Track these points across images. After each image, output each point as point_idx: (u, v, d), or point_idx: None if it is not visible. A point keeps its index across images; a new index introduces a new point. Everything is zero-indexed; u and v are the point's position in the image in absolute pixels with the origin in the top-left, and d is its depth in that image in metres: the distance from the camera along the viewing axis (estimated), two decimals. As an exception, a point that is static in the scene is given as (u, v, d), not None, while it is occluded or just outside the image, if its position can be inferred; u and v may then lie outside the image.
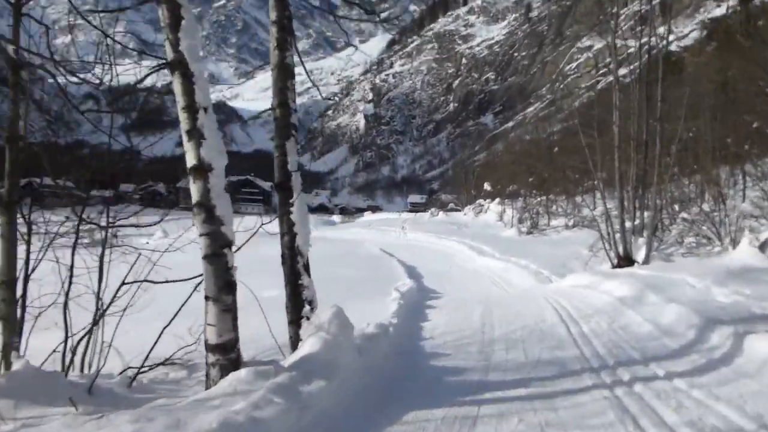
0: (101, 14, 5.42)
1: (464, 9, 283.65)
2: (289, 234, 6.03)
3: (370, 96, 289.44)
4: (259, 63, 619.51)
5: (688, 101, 13.33)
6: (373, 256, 17.81)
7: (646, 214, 13.25)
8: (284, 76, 6.12)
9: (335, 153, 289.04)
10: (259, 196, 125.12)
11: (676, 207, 16.08)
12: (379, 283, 12.63)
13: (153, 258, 5.93)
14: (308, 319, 5.39)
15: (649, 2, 15.47)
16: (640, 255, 12.14)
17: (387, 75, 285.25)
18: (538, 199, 25.90)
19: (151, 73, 5.14)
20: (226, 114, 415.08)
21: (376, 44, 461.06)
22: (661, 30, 14.98)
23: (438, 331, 7.13)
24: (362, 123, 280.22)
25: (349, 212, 78.12)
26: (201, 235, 4.32)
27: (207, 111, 4.50)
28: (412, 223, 27.36)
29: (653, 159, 12.89)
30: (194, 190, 4.37)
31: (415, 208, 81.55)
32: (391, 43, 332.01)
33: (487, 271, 15.77)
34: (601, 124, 14.42)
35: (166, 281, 5.59)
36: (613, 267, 12.25)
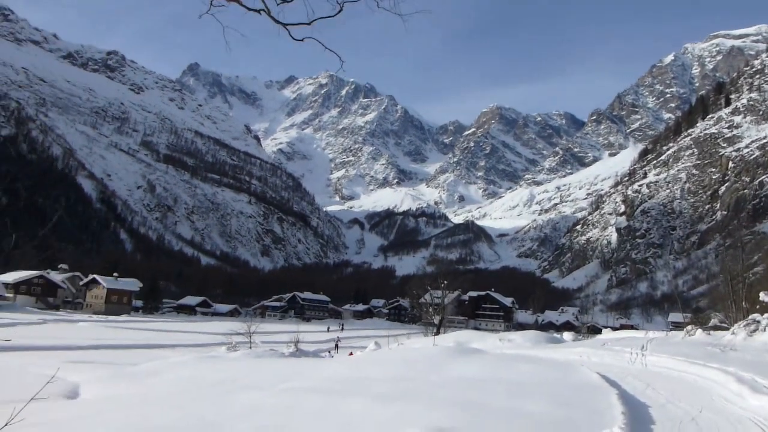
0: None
1: (727, 110, 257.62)
2: None
3: (622, 208, 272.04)
4: (506, 183, 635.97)
5: None
6: (582, 386, 12.99)
7: None
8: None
9: (585, 269, 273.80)
10: (499, 311, 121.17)
11: None
12: (577, 428, 8.36)
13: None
14: None
15: None
16: None
17: (640, 186, 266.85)
18: None
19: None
20: (474, 233, 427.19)
21: (627, 155, 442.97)
22: None
23: None
24: (614, 237, 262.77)
25: (595, 330, 69.77)
26: None
27: None
28: (659, 344, 21.22)
29: None
30: None
31: (678, 327, 69.77)
32: (643, 153, 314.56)
33: (763, 419, 10.07)
34: None
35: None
36: None
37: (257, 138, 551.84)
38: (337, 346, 39.99)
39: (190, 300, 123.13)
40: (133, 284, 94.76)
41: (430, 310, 50.13)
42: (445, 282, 53.60)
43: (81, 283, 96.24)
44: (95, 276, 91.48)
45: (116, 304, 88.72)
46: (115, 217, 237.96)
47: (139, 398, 14.68)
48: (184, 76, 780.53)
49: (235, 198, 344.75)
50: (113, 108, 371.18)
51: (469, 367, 15.82)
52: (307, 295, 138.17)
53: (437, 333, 41.52)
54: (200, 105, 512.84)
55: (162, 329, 52.60)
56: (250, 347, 28.74)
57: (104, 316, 71.90)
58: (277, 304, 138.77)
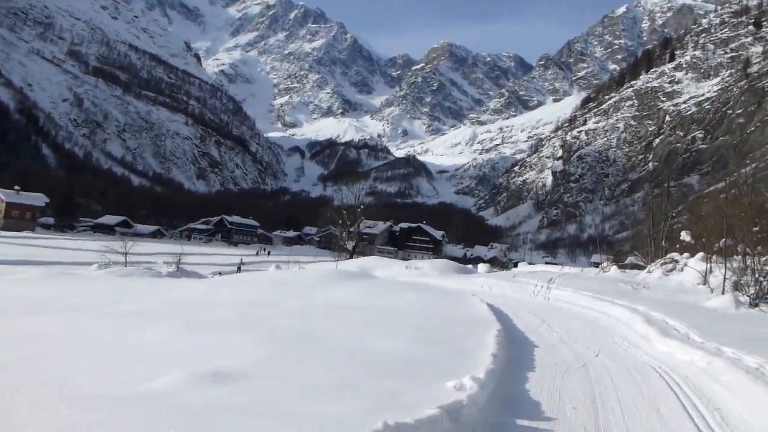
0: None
1: (670, 65, 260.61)
2: None
3: (560, 153, 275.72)
4: (451, 120, 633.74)
5: None
6: (463, 320, 10.70)
7: None
8: None
9: (518, 209, 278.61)
10: (429, 244, 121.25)
11: None
12: (417, 377, 5.94)
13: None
14: None
15: None
16: None
17: (579, 132, 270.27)
18: (769, 255, 16.70)
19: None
20: (414, 167, 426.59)
21: (570, 102, 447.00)
22: None
23: None
24: (549, 180, 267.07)
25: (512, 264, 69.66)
26: None
27: None
28: (570, 278, 19.43)
29: None
30: None
31: (598, 267, 70.22)
32: (586, 101, 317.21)
33: (670, 369, 7.94)
34: None
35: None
36: None
37: (198, 57, 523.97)
38: (239, 269, 37.54)
39: (109, 219, 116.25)
40: (38, 199, 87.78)
41: (344, 235, 48.17)
42: (361, 208, 51.54)
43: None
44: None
45: (17, 220, 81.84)
46: (37, 130, 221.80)
47: None
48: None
49: (171, 118, 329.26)
50: (35, 11, 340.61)
51: (342, 293, 13.41)
52: (236, 218, 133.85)
53: (350, 258, 39.70)
54: (136, 16, 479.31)
55: (55, 246, 48.07)
56: (125, 266, 25.78)
57: (-1, 232, 66.01)
58: (204, 227, 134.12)
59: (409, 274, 24.79)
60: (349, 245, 46.36)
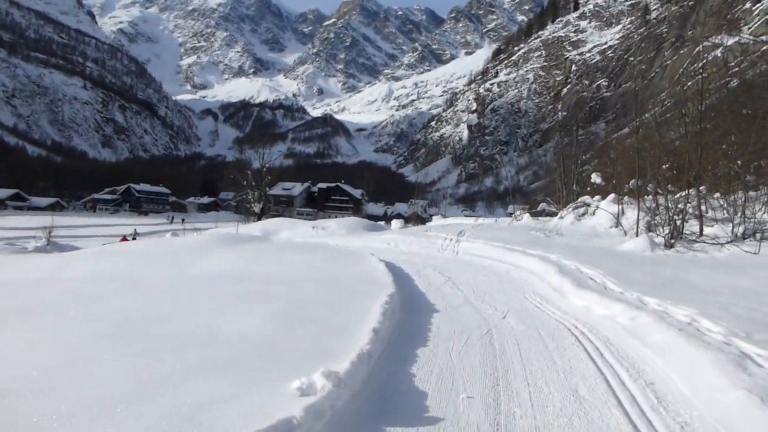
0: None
1: (575, 14, 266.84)
2: None
3: (474, 106, 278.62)
4: (366, 77, 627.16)
5: None
6: (351, 284, 9.17)
7: None
8: None
9: (437, 164, 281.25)
10: (349, 203, 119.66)
11: None
12: (259, 373, 4.17)
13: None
14: None
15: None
16: None
17: (492, 84, 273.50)
18: (682, 193, 16.13)
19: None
20: (332, 126, 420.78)
21: (482, 54, 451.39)
22: None
23: None
24: (465, 134, 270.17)
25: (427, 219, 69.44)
26: None
27: None
28: (482, 229, 18.34)
29: None
30: None
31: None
32: (496, 53, 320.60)
33: (588, 330, 6.69)
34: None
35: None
36: None
37: (91, 14, 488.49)
38: (134, 238, 34.80)
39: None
40: None
41: (250, 198, 45.74)
42: (266, 167, 49.09)
43: None
44: None
45: None
46: None
47: None
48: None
49: (67, 81, 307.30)
50: None
51: (223, 261, 11.57)
52: (144, 186, 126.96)
53: (259, 220, 37.73)
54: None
55: None
56: (-14, 242, 22.67)
57: None
58: (110, 197, 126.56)
59: (315, 234, 23.16)
60: (257, 208, 44.07)
